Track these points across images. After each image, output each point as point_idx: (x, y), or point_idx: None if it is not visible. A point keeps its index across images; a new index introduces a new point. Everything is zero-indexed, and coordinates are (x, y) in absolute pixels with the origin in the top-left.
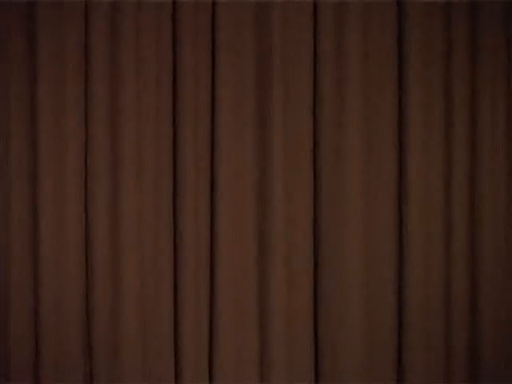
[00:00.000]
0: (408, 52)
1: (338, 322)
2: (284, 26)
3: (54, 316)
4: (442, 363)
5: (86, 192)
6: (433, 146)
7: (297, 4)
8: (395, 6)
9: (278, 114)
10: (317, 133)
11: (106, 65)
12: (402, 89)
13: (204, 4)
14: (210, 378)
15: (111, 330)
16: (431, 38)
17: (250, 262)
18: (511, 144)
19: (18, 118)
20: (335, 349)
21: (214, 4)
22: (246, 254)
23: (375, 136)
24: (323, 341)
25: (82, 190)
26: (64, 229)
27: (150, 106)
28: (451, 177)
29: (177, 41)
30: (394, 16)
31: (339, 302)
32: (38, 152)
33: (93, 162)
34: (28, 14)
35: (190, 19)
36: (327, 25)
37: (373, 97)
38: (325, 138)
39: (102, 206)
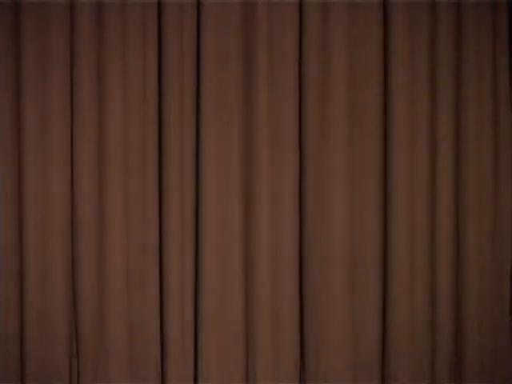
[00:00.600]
0: (393, 48)
1: (322, 308)
2: (270, 23)
3: (38, 303)
4: (426, 362)
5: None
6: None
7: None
8: (381, 4)
9: (264, 109)
10: (302, 126)
11: (91, 67)
12: (386, 85)
13: (189, 4)
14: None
15: (98, 321)
16: (417, 30)
17: (235, 243)
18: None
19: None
20: (320, 337)
21: (199, 4)
22: (231, 228)
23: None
24: (308, 327)
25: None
26: (49, 215)
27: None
28: (436, 152)
29: (162, 39)
30: (379, 14)
31: (324, 291)
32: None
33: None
34: (12, 15)
35: (175, 19)
36: (312, 24)
37: (357, 89)
38: (310, 131)
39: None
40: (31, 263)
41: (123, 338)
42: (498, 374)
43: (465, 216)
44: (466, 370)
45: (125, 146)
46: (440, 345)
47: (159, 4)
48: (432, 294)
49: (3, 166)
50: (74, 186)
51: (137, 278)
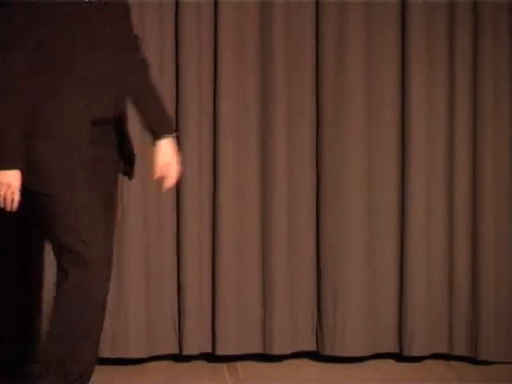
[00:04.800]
0: (410, 44)
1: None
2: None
3: None
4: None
5: None
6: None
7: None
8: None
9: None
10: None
11: None
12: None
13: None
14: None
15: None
16: (434, 25)
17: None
18: None
19: None
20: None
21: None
22: (249, 198)
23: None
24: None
25: None
26: None
27: None
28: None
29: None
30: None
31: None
32: None
33: None
34: None
35: (193, 15)
36: (329, 20)
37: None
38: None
39: None
40: None
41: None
42: None
43: (481, 159)
44: (482, 326)
45: None
46: (457, 300)
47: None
48: (449, 249)
49: None
50: None
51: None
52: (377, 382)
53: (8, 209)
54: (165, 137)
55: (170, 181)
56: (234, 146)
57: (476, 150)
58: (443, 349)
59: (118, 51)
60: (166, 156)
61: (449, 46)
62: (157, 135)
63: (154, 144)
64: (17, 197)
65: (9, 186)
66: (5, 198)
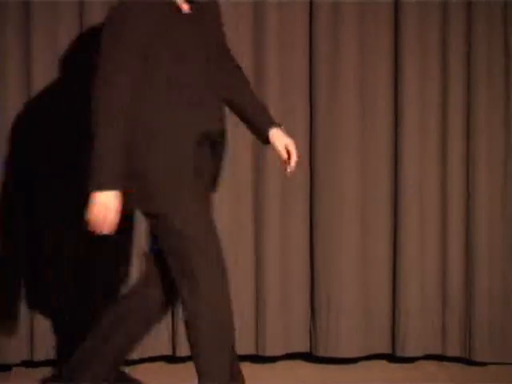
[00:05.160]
0: (404, 43)
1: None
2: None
3: None
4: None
5: None
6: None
7: None
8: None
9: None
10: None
11: None
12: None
13: None
14: None
15: None
16: (428, 24)
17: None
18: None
19: None
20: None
21: None
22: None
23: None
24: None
25: None
26: None
27: None
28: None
29: None
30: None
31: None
32: None
33: None
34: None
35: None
36: (323, 18)
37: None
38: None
39: None
40: None
41: None
42: (508, 328)
43: (475, 152)
44: (476, 327)
45: None
46: (450, 301)
47: None
48: (443, 250)
49: None
50: None
51: None
52: (370, 383)
53: (101, 230)
54: (275, 126)
55: (294, 160)
56: (228, 145)
57: (469, 145)
58: (436, 349)
59: (219, 60)
60: (283, 138)
61: (442, 43)
62: (269, 128)
63: (267, 138)
64: (112, 218)
65: (106, 207)
66: (100, 220)
